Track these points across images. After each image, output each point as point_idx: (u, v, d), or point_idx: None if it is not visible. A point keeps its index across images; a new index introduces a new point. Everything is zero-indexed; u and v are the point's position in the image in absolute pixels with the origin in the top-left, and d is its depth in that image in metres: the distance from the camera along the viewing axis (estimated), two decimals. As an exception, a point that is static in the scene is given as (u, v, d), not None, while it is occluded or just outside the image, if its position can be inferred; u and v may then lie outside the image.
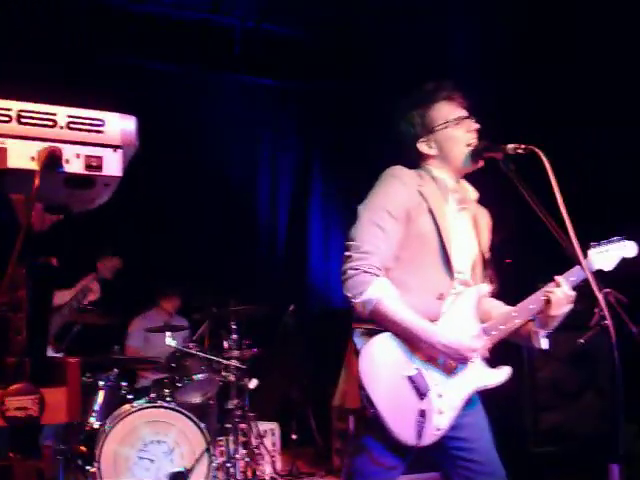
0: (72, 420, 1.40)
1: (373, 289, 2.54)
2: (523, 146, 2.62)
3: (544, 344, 2.73)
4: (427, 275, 2.68)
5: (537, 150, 2.53)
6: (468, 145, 2.79)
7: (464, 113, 2.84)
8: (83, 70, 6.30)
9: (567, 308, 2.63)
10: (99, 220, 6.15)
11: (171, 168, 7.14)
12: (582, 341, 2.60)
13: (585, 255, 2.70)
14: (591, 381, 6.04)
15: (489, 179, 2.82)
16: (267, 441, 6.12)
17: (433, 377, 2.60)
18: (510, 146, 2.65)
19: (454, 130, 2.80)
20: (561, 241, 2.46)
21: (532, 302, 2.69)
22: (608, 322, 2.32)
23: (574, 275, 2.63)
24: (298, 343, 6.66)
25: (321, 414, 6.55)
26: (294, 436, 6.35)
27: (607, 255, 2.75)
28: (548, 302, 2.63)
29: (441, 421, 2.58)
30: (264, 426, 6.19)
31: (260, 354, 5.84)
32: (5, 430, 1.34)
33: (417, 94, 2.87)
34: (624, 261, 2.76)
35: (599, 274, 2.69)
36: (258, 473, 5.80)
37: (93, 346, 5.54)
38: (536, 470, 5.22)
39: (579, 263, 2.46)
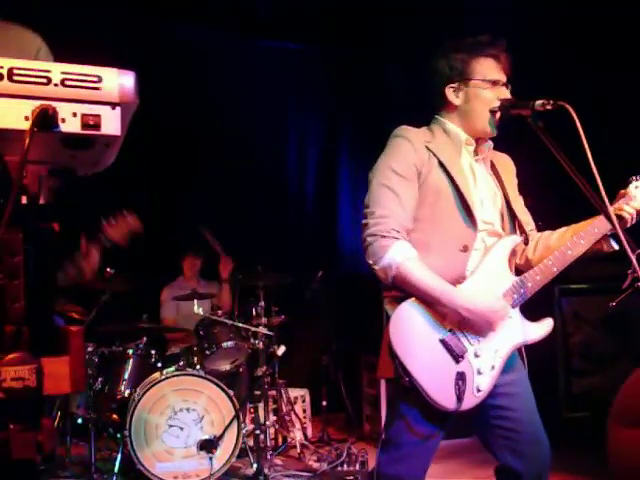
0: (76, 390, 1.34)
1: (392, 253, 2.47)
2: (552, 102, 2.50)
3: (615, 245, 2.69)
4: (448, 229, 2.60)
5: (567, 106, 2.42)
6: (491, 111, 2.67)
7: (503, 78, 2.72)
8: (102, 31, 6.22)
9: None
10: (128, 187, 6.20)
11: (198, 135, 7.10)
12: (613, 304, 2.50)
13: (624, 193, 2.66)
14: (625, 345, 5.96)
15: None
16: (297, 408, 6.12)
17: (468, 337, 2.52)
18: (538, 102, 2.53)
19: (484, 91, 2.68)
20: (591, 199, 2.35)
21: (569, 248, 2.65)
22: (642, 285, 2.23)
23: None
24: (327, 309, 6.62)
25: (351, 380, 6.53)
26: (324, 402, 6.33)
27: None
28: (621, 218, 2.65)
29: (481, 382, 2.51)
30: (294, 393, 6.20)
31: (289, 321, 5.83)
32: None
33: (467, 40, 2.74)
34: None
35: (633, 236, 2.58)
36: (288, 440, 5.83)
37: (122, 315, 5.55)
38: (568, 435, 5.15)
39: (611, 223, 2.36)
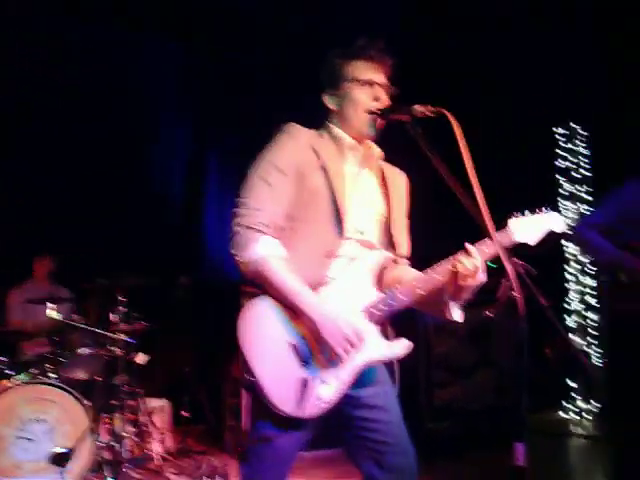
0: None
1: (258, 247, 2.44)
2: (432, 108, 2.47)
3: (456, 316, 2.58)
4: (315, 232, 2.55)
5: (447, 113, 2.38)
6: (367, 112, 2.63)
7: (379, 79, 2.67)
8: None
9: (478, 280, 2.48)
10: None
11: (57, 129, 6.77)
12: (490, 314, 2.48)
13: (504, 225, 2.56)
14: (486, 357, 6.11)
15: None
16: (157, 418, 5.91)
17: (318, 345, 2.45)
18: (418, 108, 2.49)
19: (357, 92, 2.66)
20: (471, 211, 2.31)
21: (437, 272, 2.53)
22: (517, 294, 2.20)
23: (489, 247, 2.48)
24: (190, 317, 6.45)
25: (213, 390, 6.37)
26: (185, 413, 6.15)
27: (530, 227, 2.54)
28: (456, 273, 2.49)
29: (325, 392, 2.43)
30: (154, 403, 6.00)
31: (150, 328, 5.61)
32: None
33: (345, 46, 2.72)
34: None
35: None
36: (147, 452, 5.61)
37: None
38: (431, 445, 5.21)
39: (488, 234, 2.33)
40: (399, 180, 2.86)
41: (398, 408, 2.63)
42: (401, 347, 2.58)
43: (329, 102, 2.73)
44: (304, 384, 2.40)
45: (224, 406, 6.24)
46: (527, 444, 2.19)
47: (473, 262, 2.45)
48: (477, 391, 6.01)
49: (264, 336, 2.43)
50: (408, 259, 2.82)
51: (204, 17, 6.87)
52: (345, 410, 2.53)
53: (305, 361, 2.43)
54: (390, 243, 2.74)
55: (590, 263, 7.67)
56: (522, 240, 2.53)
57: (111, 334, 5.24)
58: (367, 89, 2.65)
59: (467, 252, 2.47)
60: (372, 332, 2.54)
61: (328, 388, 2.44)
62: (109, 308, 5.40)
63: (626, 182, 4.46)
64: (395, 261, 2.74)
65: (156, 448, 5.66)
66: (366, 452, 2.56)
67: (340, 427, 2.55)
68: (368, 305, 2.54)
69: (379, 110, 2.63)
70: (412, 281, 2.56)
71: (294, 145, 2.59)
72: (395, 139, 2.66)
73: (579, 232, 4.14)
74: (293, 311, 2.44)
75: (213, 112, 7.92)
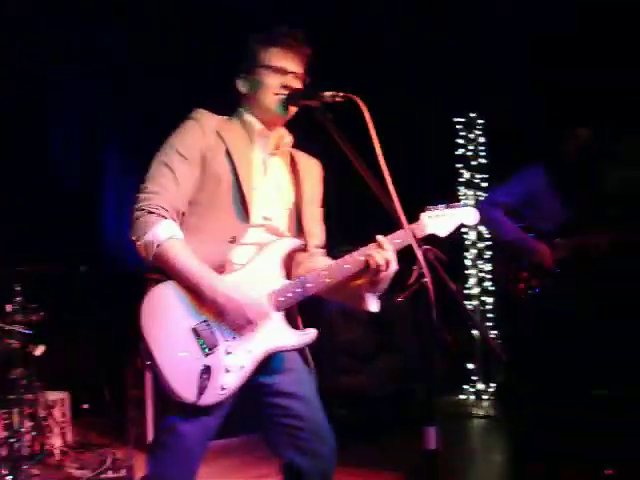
0: None
1: (156, 230, 2.43)
2: (342, 94, 2.48)
3: (372, 306, 2.61)
4: (220, 218, 2.56)
5: (356, 98, 2.40)
6: (277, 97, 2.65)
7: (293, 68, 2.69)
8: None
9: (391, 271, 2.51)
10: None
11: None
12: (401, 299, 2.50)
13: (417, 218, 2.60)
14: (390, 343, 6.20)
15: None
16: (56, 412, 5.72)
17: (222, 332, 2.46)
18: (327, 93, 2.52)
19: (268, 77, 2.67)
20: (382, 200, 2.33)
21: (347, 262, 2.56)
22: (428, 280, 2.23)
23: (400, 237, 2.51)
24: (90, 307, 6.29)
25: (115, 382, 6.23)
26: (86, 405, 6.00)
27: (442, 220, 2.61)
28: (368, 264, 2.50)
29: (227, 380, 2.43)
30: (53, 396, 5.79)
31: (48, 318, 5.43)
32: None
33: (265, 33, 2.74)
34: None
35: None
36: (46, 447, 5.44)
37: None
38: (341, 431, 5.27)
39: (400, 224, 2.36)
40: (312, 168, 2.87)
41: (315, 394, 2.66)
42: (306, 335, 2.59)
43: (241, 86, 2.73)
44: (205, 371, 2.39)
45: (126, 398, 6.12)
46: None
47: (384, 255, 2.48)
48: (382, 377, 6.10)
49: (165, 321, 2.42)
50: (324, 248, 2.84)
51: (204, 17, 6.71)
52: (261, 398, 2.56)
53: (209, 348, 2.42)
54: (301, 232, 2.75)
55: (487, 248, 7.90)
56: (434, 232, 2.61)
57: (6, 325, 5.04)
58: (279, 76, 2.66)
59: (378, 244, 2.50)
60: (277, 319, 2.54)
61: (231, 377, 2.44)
62: (4, 298, 5.21)
63: (529, 166, 4.62)
64: (306, 249, 2.74)
65: (56, 442, 5.52)
66: (286, 439, 2.57)
67: (258, 415, 2.58)
68: (275, 292, 2.54)
69: (288, 95, 2.64)
70: (320, 270, 2.58)
71: (198, 130, 2.60)
72: (310, 126, 2.66)
73: (483, 209, 4.22)
74: (197, 295, 2.43)
75: (117, 86, 7.57)
